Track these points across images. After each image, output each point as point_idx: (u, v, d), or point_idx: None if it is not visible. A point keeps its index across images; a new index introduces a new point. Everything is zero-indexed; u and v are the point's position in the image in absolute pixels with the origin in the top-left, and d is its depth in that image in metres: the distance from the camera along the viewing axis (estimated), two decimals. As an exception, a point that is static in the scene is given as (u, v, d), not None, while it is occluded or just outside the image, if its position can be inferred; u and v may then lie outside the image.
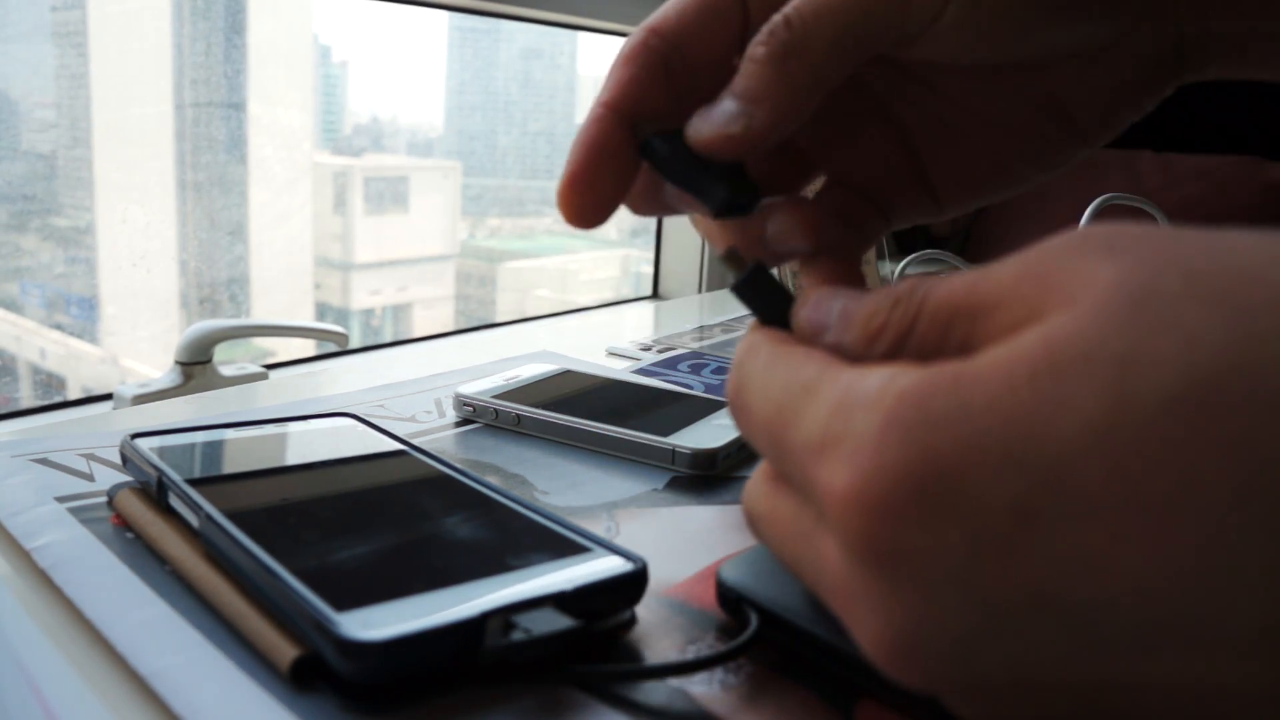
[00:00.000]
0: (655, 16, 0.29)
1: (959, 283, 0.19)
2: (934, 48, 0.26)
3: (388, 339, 1.27)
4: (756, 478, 0.24)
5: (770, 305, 0.24)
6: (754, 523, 0.23)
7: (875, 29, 0.26)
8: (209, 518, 0.29)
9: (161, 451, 0.35)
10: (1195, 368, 0.15)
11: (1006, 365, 0.17)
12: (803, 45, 0.25)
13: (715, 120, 0.26)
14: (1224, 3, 0.27)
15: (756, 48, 0.26)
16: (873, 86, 0.30)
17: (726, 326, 0.75)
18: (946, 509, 0.17)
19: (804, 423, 0.19)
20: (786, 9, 0.26)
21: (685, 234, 1.12)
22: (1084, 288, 0.17)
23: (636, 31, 0.29)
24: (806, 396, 0.19)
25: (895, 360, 0.19)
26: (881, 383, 0.18)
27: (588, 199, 0.28)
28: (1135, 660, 0.16)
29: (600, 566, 0.28)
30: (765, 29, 0.26)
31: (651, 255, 1.16)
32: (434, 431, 0.46)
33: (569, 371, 0.53)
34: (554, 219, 1.56)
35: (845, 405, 0.18)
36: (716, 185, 0.26)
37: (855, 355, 0.21)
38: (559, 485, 0.39)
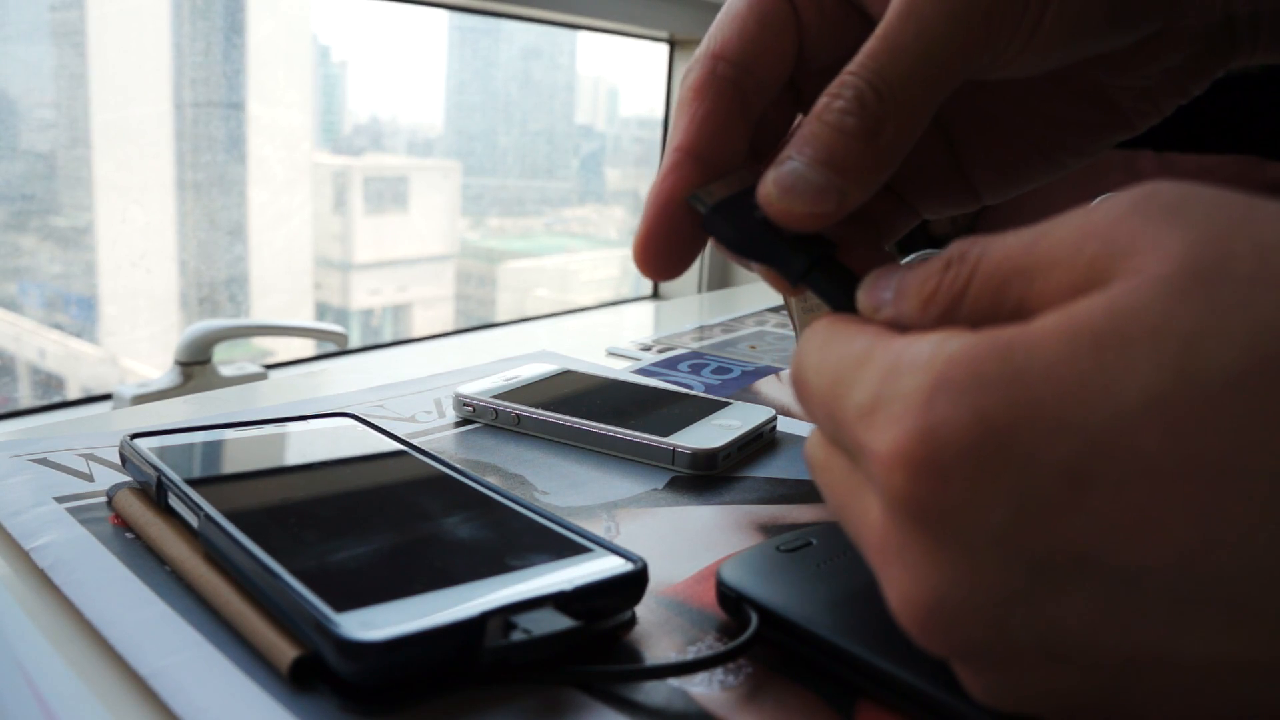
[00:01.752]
0: (714, 41, 0.27)
1: (1015, 241, 0.19)
2: (996, 70, 0.26)
3: (388, 339, 1.27)
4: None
5: (839, 292, 0.24)
6: (811, 469, 0.23)
7: (955, 76, 0.24)
8: (208, 518, 0.29)
9: (161, 452, 0.35)
10: (1262, 350, 0.15)
11: (1068, 332, 0.17)
12: (895, 115, 0.24)
13: (802, 193, 0.24)
14: None
15: (845, 118, 0.24)
16: None
17: (727, 326, 0.75)
18: (995, 469, 0.17)
19: (856, 390, 0.19)
20: (866, 72, 0.24)
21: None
22: (1151, 257, 0.17)
23: (699, 60, 0.27)
24: (859, 366, 0.20)
25: (949, 325, 0.19)
26: (932, 348, 0.18)
27: (667, 254, 0.27)
28: (1167, 633, 0.17)
29: (600, 566, 0.28)
30: (850, 93, 0.24)
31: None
32: (434, 431, 0.46)
33: (569, 371, 0.53)
34: (554, 219, 1.56)
35: (895, 370, 0.18)
36: (794, 256, 0.25)
37: (912, 324, 0.21)
38: (559, 485, 0.39)
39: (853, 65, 0.24)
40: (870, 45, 0.24)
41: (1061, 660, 0.18)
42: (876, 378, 0.19)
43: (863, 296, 0.22)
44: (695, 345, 0.67)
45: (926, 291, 0.20)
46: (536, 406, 0.45)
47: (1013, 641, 0.18)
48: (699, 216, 0.27)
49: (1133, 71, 0.28)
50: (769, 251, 0.26)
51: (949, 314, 0.20)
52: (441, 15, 1.30)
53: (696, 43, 1.29)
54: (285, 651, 0.25)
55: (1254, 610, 0.16)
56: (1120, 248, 0.17)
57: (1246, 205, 0.17)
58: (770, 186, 0.24)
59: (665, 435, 0.42)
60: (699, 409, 0.46)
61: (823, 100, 0.24)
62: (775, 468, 0.42)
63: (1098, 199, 0.18)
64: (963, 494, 0.17)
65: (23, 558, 0.31)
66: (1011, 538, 0.17)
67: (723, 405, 0.47)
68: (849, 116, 0.24)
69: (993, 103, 0.29)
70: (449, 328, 1.28)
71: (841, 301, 0.24)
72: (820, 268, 0.25)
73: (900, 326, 0.21)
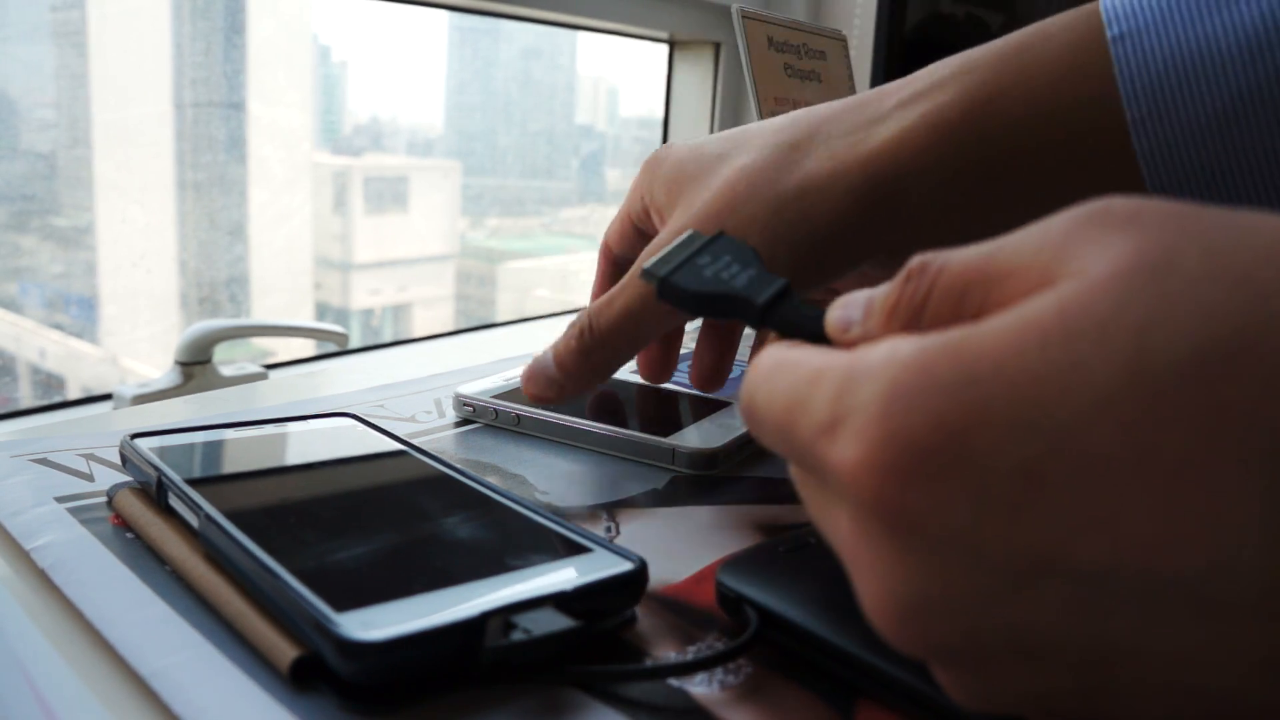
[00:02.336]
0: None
1: (975, 253, 0.19)
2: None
3: (388, 339, 1.27)
4: None
5: (802, 324, 0.24)
6: (795, 484, 0.23)
7: (646, 335, 0.37)
8: (209, 518, 0.29)
9: (161, 451, 0.35)
10: (1212, 340, 0.15)
11: (1016, 331, 0.17)
12: (597, 347, 0.38)
13: (540, 381, 0.39)
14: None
15: (571, 339, 0.38)
16: None
17: (726, 326, 0.75)
18: (954, 472, 0.17)
19: (812, 411, 0.19)
20: (589, 314, 0.38)
21: (685, 234, 1.11)
22: (1100, 258, 0.17)
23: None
24: (811, 386, 0.20)
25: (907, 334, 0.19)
26: (884, 355, 0.18)
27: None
28: (1137, 628, 0.16)
29: (600, 566, 0.28)
30: (579, 322, 0.38)
31: (651, 255, 1.15)
32: (434, 431, 0.46)
33: None
34: (553, 219, 1.56)
35: (850, 383, 0.18)
36: (749, 305, 0.26)
37: (876, 339, 0.21)
38: (559, 485, 0.39)
39: (590, 304, 0.38)
40: (604, 296, 0.38)
41: (1034, 659, 0.18)
42: (831, 394, 0.19)
43: (831, 319, 0.23)
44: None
45: (889, 305, 0.20)
46: (536, 406, 0.45)
47: (985, 643, 0.18)
48: (650, 293, 0.31)
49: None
50: (725, 307, 0.27)
51: (911, 325, 0.20)
52: (441, 15, 1.30)
53: (697, 43, 1.27)
54: (285, 651, 0.25)
55: (1217, 601, 0.16)
56: (1073, 252, 0.17)
57: (1195, 215, 0.17)
58: (524, 373, 0.40)
59: (665, 435, 0.42)
60: (699, 409, 0.46)
61: (577, 316, 0.38)
62: (775, 468, 0.42)
63: (1060, 212, 0.19)
64: (925, 498, 0.17)
65: (23, 558, 0.31)
66: (975, 540, 0.17)
67: (723, 405, 0.47)
68: (573, 339, 0.38)
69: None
70: (449, 328, 1.28)
71: (806, 333, 0.24)
72: (775, 309, 0.25)
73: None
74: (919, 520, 0.17)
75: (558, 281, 1.56)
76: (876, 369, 0.18)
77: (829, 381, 0.19)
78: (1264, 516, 0.15)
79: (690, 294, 0.27)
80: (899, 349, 0.18)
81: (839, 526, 0.20)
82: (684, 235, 0.29)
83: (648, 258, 0.33)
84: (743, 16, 0.64)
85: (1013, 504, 0.16)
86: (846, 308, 0.22)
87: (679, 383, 0.56)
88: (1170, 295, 0.16)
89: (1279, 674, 0.16)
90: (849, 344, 0.21)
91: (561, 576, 0.27)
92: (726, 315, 0.27)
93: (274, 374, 0.79)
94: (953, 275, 0.19)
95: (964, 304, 0.19)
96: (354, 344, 1.00)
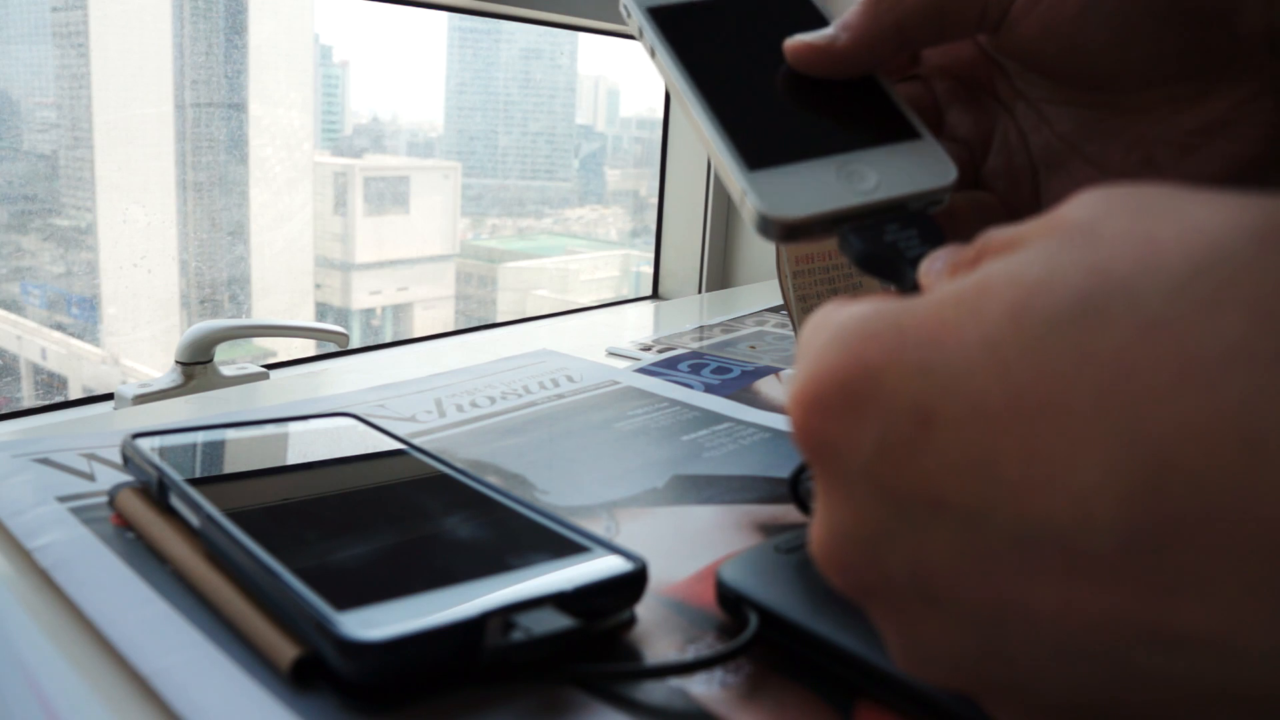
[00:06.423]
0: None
1: (1021, 225, 0.20)
2: (1017, 41, 0.30)
3: (388, 339, 1.27)
4: None
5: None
6: None
7: (955, 6, 0.30)
8: (209, 517, 0.29)
9: (162, 451, 0.35)
10: (1089, 295, 0.16)
11: (945, 295, 0.18)
12: (894, 1, 0.30)
13: (811, 37, 0.31)
14: None
15: None
16: (994, 94, 0.33)
17: (726, 326, 0.75)
18: (863, 407, 0.18)
19: (799, 350, 0.21)
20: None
21: (685, 234, 1.12)
22: (1049, 228, 0.18)
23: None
24: (811, 331, 0.21)
25: None
26: (847, 311, 0.20)
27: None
28: (1018, 581, 0.17)
29: (600, 566, 0.28)
30: None
31: (651, 255, 1.16)
32: (434, 431, 0.46)
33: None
34: (554, 219, 1.56)
35: (821, 330, 0.20)
36: (906, 276, 0.28)
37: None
38: (559, 485, 0.39)
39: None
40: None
41: (938, 607, 0.18)
42: (811, 340, 0.21)
43: (922, 265, 0.24)
44: (695, 345, 0.67)
45: (953, 261, 0.22)
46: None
47: (894, 582, 0.18)
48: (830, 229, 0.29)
49: (1176, 130, 0.29)
50: (888, 272, 0.28)
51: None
52: (441, 16, 1.30)
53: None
54: (286, 651, 0.25)
55: (1086, 556, 0.16)
56: (1040, 224, 0.18)
57: (1165, 193, 0.17)
58: (794, 38, 0.31)
59: (752, 167, 0.28)
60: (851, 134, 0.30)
61: None
62: (775, 467, 0.42)
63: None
64: (839, 429, 0.18)
65: (24, 557, 0.31)
66: (877, 473, 0.18)
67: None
68: None
69: (1054, 140, 0.32)
70: (449, 328, 1.28)
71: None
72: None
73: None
74: (835, 452, 0.18)
75: (558, 281, 1.56)
76: (836, 320, 0.20)
77: (817, 330, 0.21)
78: (1119, 466, 0.15)
79: (860, 252, 0.28)
80: (863, 308, 0.19)
81: None
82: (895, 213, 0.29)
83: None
84: (743, 17, 0.64)
85: (907, 441, 0.17)
86: (933, 259, 0.24)
87: (680, 382, 0.56)
88: (1067, 257, 0.17)
89: (1154, 647, 0.16)
90: (926, 287, 0.23)
91: (561, 576, 0.27)
92: (886, 278, 0.28)
93: (274, 374, 0.79)
94: (996, 237, 0.20)
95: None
96: (354, 344, 1.00)
